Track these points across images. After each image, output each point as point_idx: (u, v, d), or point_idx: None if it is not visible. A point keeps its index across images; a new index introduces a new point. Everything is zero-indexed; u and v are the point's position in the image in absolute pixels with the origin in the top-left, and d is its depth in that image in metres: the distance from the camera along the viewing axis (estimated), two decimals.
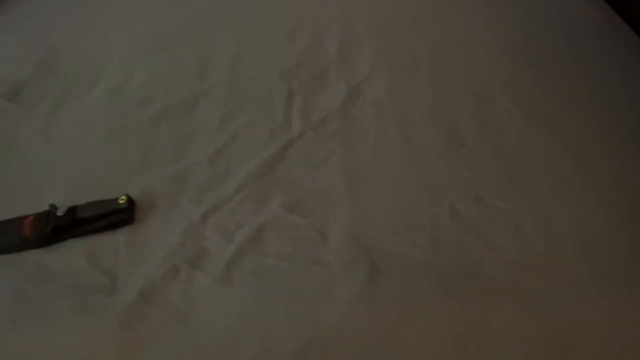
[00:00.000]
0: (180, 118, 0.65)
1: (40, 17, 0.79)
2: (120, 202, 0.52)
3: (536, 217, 0.55)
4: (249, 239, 0.51)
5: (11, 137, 0.61)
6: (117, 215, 0.52)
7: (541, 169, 0.60)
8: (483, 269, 0.50)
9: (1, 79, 0.68)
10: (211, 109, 0.66)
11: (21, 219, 0.51)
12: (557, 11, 0.86)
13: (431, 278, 0.49)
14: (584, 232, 0.54)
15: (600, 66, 0.75)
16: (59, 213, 0.51)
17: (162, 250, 0.51)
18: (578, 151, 0.62)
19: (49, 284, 0.48)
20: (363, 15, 0.83)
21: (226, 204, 0.55)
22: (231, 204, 0.55)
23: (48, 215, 0.51)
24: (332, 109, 0.67)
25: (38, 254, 0.50)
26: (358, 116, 0.66)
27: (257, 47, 0.75)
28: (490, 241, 0.52)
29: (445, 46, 0.78)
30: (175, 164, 0.59)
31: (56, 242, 0.51)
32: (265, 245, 0.51)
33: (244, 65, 0.72)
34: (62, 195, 0.54)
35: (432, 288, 0.48)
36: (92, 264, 0.49)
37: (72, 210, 0.51)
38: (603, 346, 0.45)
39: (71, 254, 0.50)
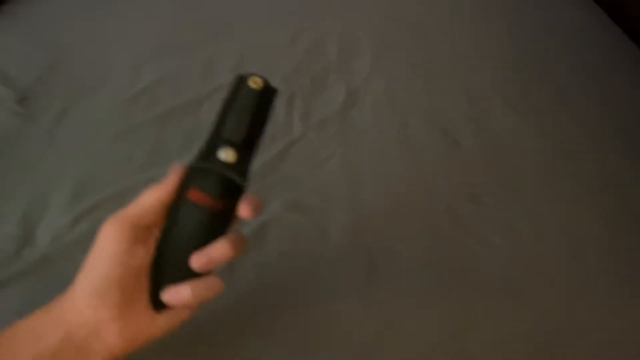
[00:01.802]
0: (185, 120, 0.66)
1: (48, 21, 0.80)
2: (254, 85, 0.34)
3: (531, 216, 0.56)
4: (251, 236, 0.52)
5: (18, 140, 0.61)
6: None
7: (535, 168, 0.61)
8: (479, 267, 0.51)
9: (8, 81, 0.69)
10: (215, 110, 0.67)
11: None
12: (550, 15, 0.87)
13: (429, 276, 0.50)
14: (578, 231, 0.55)
15: (593, 69, 0.77)
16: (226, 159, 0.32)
17: None
18: (572, 151, 0.64)
19: (56, 280, 0.48)
20: (362, 22, 0.84)
21: None
22: None
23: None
24: (332, 111, 0.68)
25: (43, 249, 0.51)
26: (357, 118, 0.67)
27: (259, 52, 0.77)
28: (486, 240, 0.53)
29: (441, 51, 0.79)
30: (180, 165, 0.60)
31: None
32: (266, 242, 0.52)
33: (246, 68, 0.73)
34: (68, 198, 0.55)
35: (429, 286, 0.49)
36: None
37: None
38: (599, 345, 0.46)
39: (75, 250, 0.50)
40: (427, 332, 0.46)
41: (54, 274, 0.49)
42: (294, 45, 0.78)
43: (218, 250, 0.32)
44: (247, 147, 0.34)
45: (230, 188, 0.33)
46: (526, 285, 0.50)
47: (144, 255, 0.32)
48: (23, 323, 0.32)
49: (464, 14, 0.88)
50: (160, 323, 0.32)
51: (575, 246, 0.53)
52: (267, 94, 0.36)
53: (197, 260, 0.32)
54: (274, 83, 0.76)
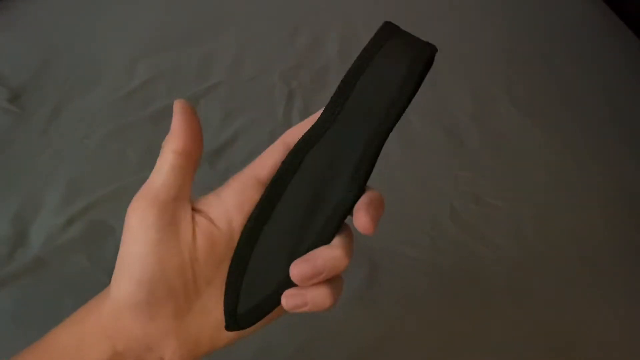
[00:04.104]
0: None
1: (41, 19, 0.79)
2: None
3: (536, 217, 0.55)
4: None
5: (12, 139, 0.61)
6: None
7: (540, 168, 0.60)
8: (483, 268, 0.50)
9: (1, 79, 0.68)
10: (211, 109, 0.66)
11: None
12: (555, 12, 0.86)
13: (431, 278, 0.49)
14: (583, 232, 0.54)
15: (598, 66, 0.76)
16: None
17: None
18: (577, 150, 0.63)
19: (49, 281, 0.48)
20: (363, 17, 0.83)
21: None
22: None
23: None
24: None
25: (36, 250, 0.50)
26: None
27: (257, 48, 0.75)
28: (490, 241, 0.52)
29: (445, 47, 0.78)
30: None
31: None
32: None
33: (244, 65, 0.72)
34: (61, 198, 0.54)
35: (432, 288, 0.48)
36: (92, 262, 0.49)
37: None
38: (603, 347, 0.45)
39: (71, 251, 0.50)
40: (430, 336, 0.45)
41: (48, 275, 0.48)
42: (293, 41, 0.77)
43: (326, 256, 0.23)
44: None
45: None
46: (531, 288, 0.49)
47: (190, 242, 0.23)
48: (59, 334, 0.23)
49: (467, 11, 0.87)
50: (229, 333, 0.25)
51: (582, 248, 0.53)
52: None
53: (298, 270, 0.23)
54: (273, 79, 0.73)
